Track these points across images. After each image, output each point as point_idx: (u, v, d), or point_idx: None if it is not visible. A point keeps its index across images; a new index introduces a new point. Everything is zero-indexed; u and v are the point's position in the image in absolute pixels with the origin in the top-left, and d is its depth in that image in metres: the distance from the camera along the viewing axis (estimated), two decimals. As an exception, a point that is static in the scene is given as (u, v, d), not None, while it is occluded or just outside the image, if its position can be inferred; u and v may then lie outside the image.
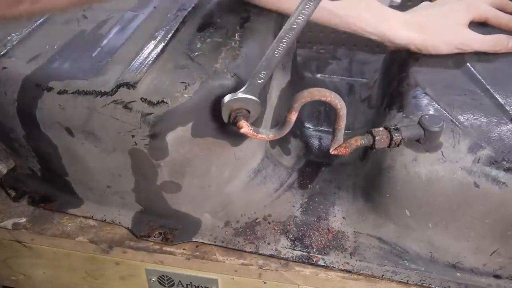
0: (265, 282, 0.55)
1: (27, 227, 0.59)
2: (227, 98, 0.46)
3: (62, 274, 0.64)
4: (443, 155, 0.48)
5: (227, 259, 0.55)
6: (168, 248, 0.56)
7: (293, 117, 0.44)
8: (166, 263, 0.57)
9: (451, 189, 0.48)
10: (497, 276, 0.51)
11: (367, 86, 0.79)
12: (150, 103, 0.48)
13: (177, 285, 0.59)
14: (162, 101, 0.48)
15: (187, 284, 0.59)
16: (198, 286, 0.58)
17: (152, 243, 0.57)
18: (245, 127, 0.44)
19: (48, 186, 0.63)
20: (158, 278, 0.59)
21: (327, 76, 0.83)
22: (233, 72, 0.51)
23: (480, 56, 0.60)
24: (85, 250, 0.58)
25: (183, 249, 0.56)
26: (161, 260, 0.56)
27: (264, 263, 0.54)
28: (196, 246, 0.56)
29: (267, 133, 0.46)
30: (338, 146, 0.48)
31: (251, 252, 0.55)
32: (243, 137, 0.53)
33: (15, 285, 0.68)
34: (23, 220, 0.60)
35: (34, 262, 0.63)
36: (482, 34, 0.60)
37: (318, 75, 0.83)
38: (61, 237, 0.58)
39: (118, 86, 0.49)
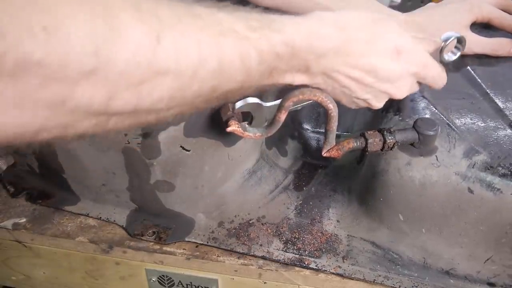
0: (265, 282, 0.55)
1: (27, 227, 0.60)
2: (239, 104, 0.46)
3: (62, 274, 0.64)
4: (437, 159, 0.48)
5: (227, 259, 0.55)
6: (168, 248, 0.56)
7: (283, 116, 0.44)
8: (166, 263, 0.57)
9: (445, 194, 0.47)
10: (491, 284, 0.50)
11: (369, 88, 0.79)
12: (143, 102, 0.48)
13: (177, 285, 0.59)
14: (155, 101, 0.48)
15: (187, 284, 0.58)
16: (198, 286, 0.58)
17: (152, 243, 0.57)
18: (232, 125, 0.44)
19: (46, 183, 0.64)
20: (158, 278, 0.59)
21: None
22: (227, 72, 0.50)
23: (482, 59, 0.59)
24: (85, 250, 0.59)
25: (183, 249, 0.56)
26: (161, 260, 0.57)
27: (264, 263, 0.54)
28: (196, 246, 0.56)
29: (254, 132, 0.46)
30: (330, 149, 0.47)
31: (243, 253, 0.55)
32: (237, 138, 0.53)
33: (15, 285, 0.68)
34: (23, 220, 0.61)
35: (34, 262, 0.63)
36: (485, 37, 0.59)
37: (319, 77, 0.83)
38: (61, 237, 0.59)
39: (112, 85, 0.49)
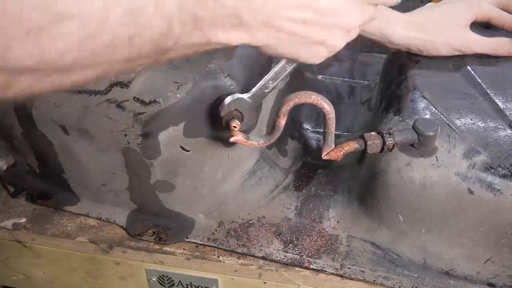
0: (265, 282, 0.55)
1: (27, 227, 0.60)
2: (229, 99, 0.46)
3: (62, 274, 0.64)
4: (437, 160, 0.47)
5: (227, 259, 0.55)
6: (168, 248, 0.56)
7: (282, 121, 0.44)
8: (166, 263, 0.57)
9: (445, 195, 0.47)
10: (491, 285, 0.50)
11: (369, 88, 0.79)
12: (143, 102, 0.49)
13: (177, 285, 0.59)
14: (154, 101, 0.48)
15: (187, 284, 0.59)
16: (198, 286, 0.58)
17: (152, 242, 0.57)
18: (236, 135, 0.44)
19: (46, 183, 0.64)
20: (158, 278, 0.59)
21: (329, 77, 0.83)
22: (227, 72, 0.50)
23: (482, 59, 0.59)
24: (85, 250, 0.59)
25: (183, 249, 0.56)
26: (161, 260, 0.57)
27: (264, 263, 0.54)
28: (196, 246, 0.56)
29: (257, 140, 0.46)
30: (329, 151, 0.47)
31: (243, 254, 0.55)
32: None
33: (15, 285, 0.68)
34: (23, 220, 0.61)
35: (34, 262, 0.63)
36: (485, 36, 0.59)
37: (319, 76, 0.83)
38: (61, 237, 0.59)
39: (112, 85, 0.50)
